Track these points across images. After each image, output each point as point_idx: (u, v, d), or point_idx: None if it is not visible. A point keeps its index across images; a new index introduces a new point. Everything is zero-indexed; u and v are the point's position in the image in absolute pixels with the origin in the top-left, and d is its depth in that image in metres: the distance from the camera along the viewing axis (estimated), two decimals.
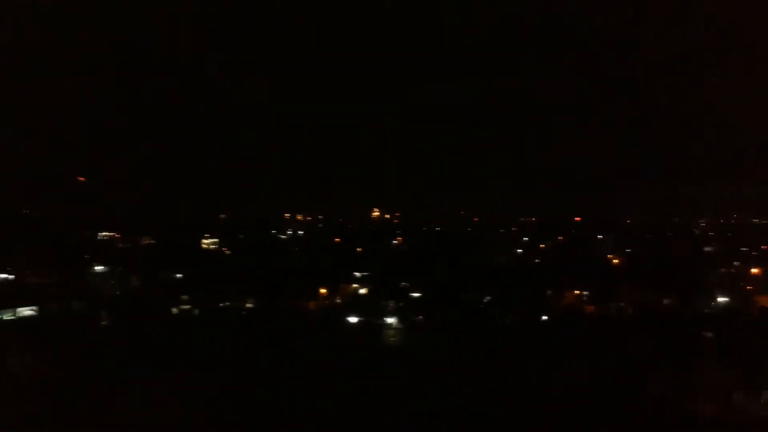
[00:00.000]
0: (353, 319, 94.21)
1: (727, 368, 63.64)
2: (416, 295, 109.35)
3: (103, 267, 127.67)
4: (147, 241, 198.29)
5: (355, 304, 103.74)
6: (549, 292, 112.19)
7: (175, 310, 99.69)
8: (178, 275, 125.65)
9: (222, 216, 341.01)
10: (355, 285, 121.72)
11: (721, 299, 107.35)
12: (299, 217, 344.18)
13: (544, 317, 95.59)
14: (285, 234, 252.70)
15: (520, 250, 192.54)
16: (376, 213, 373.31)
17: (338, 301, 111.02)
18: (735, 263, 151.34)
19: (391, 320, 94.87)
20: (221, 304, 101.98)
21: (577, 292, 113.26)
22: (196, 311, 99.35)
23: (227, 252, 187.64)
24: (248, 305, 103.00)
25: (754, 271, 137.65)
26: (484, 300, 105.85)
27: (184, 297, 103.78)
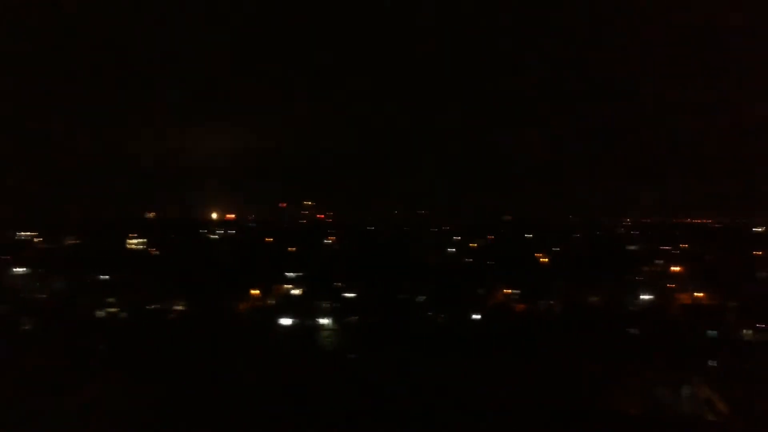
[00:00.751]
0: (286, 321, 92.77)
1: (651, 364, 65.39)
2: (350, 295, 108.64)
3: (23, 269, 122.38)
4: (70, 242, 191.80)
5: (288, 305, 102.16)
6: (481, 290, 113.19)
7: (101, 313, 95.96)
8: (104, 277, 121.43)
9: (149, 215, 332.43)
10: (287, 285, 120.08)
11: (644, 297, 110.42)
12: (229, 216, 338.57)
13: (476, 316, 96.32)
14: (215, 234, 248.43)
15: (452, 250, 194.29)
16: (307, 211, 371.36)
17: (271, 302, 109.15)
18: (657, 262, 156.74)
19: (325, 321, 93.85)
20: (149, 307, 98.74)
21: (507, 290, 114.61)
22: (123, 314, 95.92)
23: (155, 253, 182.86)
24: (177, 308, 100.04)
25: (675, 269, 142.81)
26: (418, 299, 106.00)
27: (111, 299, 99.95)
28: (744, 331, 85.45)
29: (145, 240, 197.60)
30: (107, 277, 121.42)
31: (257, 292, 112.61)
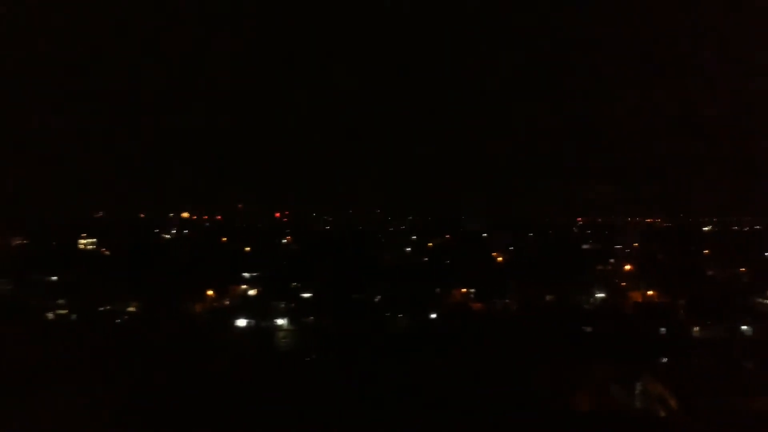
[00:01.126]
0: (242, 322, 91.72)
1: (605, 362, 66.36)
2: (307, 295, 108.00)
3: None
4: (18, 241, 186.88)
5: (244, 305, 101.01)
6: (438, 290, 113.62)
7: (50, 316, 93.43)
8: (53, 278, 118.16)
9: (98, 214, 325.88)
10: (243, 286, 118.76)
11: (598, 295, 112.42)
12: (184, 215, 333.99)
13: (433, 315, 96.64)
14: (169, 233, 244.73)
15: (409, 249, 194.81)
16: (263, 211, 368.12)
17: (226, 303, 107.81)
18: (611, 260, 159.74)
19: (281, 322, 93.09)
20: (101, 309, 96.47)
21: (464, 290, 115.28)
22: (74, 316, 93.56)
23: (106, 253, 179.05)
24: (130, 309, 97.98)
25: (627, 267, 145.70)
26: (375, 299, 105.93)
27: (61, 301, 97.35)
28: (694, 328, 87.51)
29: (95, 240, 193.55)
30: (56, 278, 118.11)
31: (212, 293, 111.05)
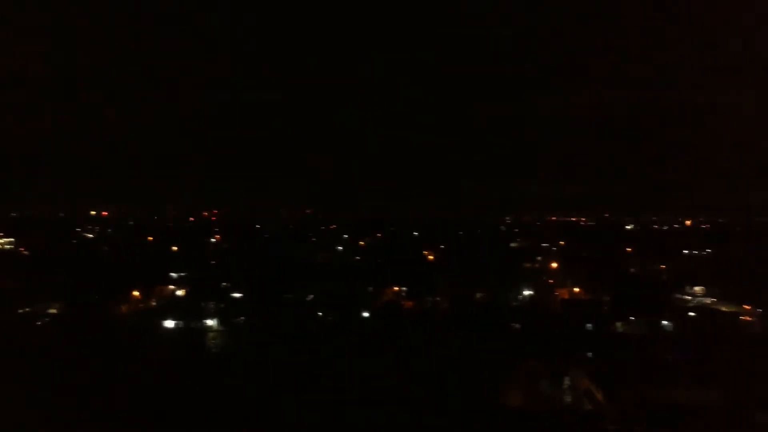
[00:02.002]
0: (170, 323, 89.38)
1: (533, 357, 67.60)
2: (237, 295, 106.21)
3: None
4: None
5: (172, 306, 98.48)
6: (370, 288, 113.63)
7: None
8: None
9: (12, 214, 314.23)
10: (171, 286, 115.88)
11: (526, 292, 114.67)
12: (105, 214, 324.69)
13: (365, 314, 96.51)
14: (92, 232, 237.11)
15: (341, 248, 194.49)
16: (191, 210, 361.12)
17: (153, 303, 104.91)
18: (538, 258, 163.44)
19: (211, 322, 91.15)
20: (20, 311, 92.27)
21: (396, 288, 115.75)
22: None
23: (25, 252, 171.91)
24: (51, 311, 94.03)
25: (553, 265, 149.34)
26: (307, 298, 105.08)
27: None
28: (617, 323, 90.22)
29: (13, 240, 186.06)
30: None
31: (138, 293, 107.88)
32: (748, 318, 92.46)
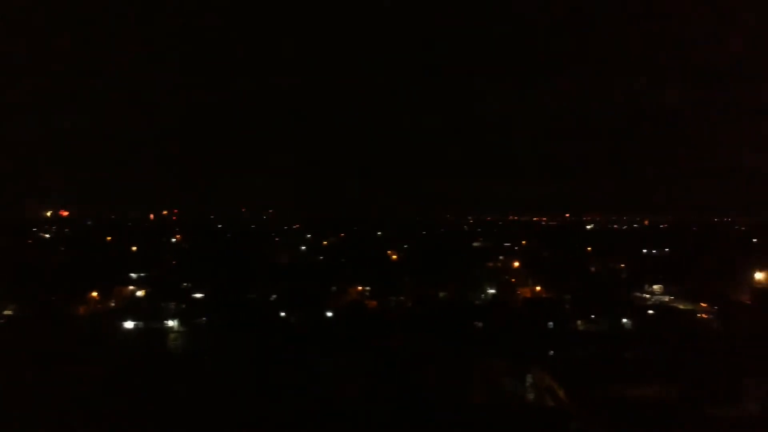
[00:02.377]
0: (129, 324, 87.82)
1: (496, 355, 68.03)
2: (199, 295, 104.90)
3: None
4: None
5: (132, 307, 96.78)
6: (333, 288, 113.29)
7: None
8: None
9: None
10: (131, 287, 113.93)
11: (489, 291, 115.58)
12: (63, 213, 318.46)
13: (329, 314, 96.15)
14: (48, 232, 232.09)
15: (304, 248, 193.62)
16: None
17: (112, 304, 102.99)
18: (500, 257, 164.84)
19: (172, 323, 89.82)
20: None
21: (359, 288, 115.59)
22: None
23: None
24: (7, 312, 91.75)
25: (515, 264, 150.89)
26: (270, 298, 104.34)
27: None
28: (578, 321, 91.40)
29: None
30: None
31: (96, 294, 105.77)
32: (704, 315, 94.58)
